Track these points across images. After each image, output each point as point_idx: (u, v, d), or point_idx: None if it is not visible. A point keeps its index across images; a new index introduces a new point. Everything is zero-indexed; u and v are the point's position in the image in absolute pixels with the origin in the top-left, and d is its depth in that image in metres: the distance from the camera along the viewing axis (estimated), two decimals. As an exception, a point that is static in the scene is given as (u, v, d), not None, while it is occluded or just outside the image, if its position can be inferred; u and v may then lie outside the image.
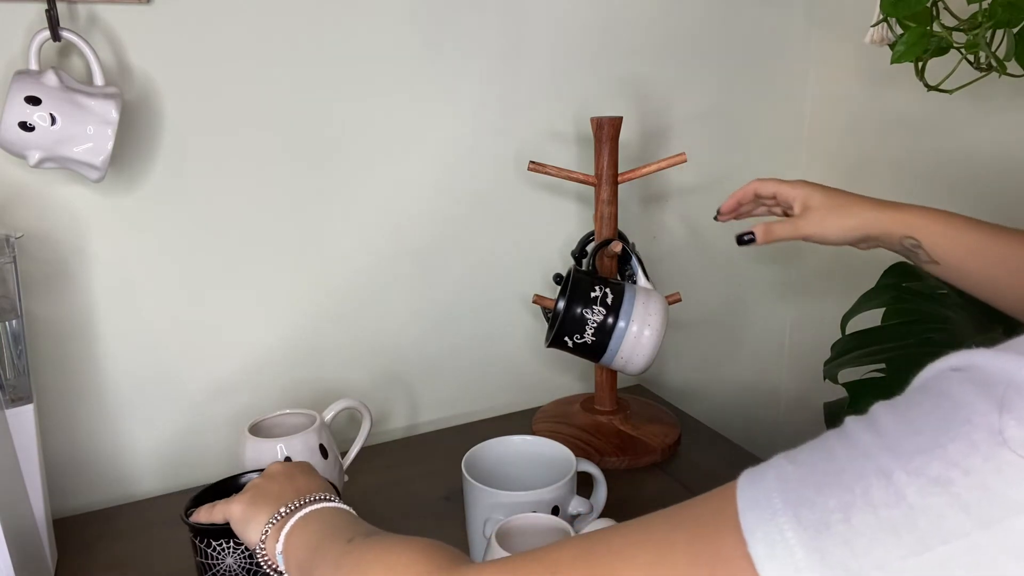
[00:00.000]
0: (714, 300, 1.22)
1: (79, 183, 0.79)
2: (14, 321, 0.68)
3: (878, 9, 0.85)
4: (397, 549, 0.46)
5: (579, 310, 0.84)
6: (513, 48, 0.98)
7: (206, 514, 0.61)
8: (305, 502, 0.54)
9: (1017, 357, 0.30)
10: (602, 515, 0.74)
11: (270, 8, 0.84)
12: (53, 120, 0.69)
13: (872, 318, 0.88)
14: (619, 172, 0.92)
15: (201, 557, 0.63)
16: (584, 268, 0.93)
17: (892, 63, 0.85)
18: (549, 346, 0.88)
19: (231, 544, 0.62)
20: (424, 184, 0.97)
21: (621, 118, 0.91)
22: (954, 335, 0.80)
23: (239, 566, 0.63)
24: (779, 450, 0.36)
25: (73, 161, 0.72)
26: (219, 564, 0.63)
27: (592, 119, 0.91)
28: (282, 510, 0.54)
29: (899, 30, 0.84)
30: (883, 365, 0.81)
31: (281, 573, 0.53)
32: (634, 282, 0.89)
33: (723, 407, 1.24)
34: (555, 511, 0.68)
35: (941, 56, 0.82)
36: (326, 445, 0.78)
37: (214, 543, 0.62)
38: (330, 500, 0.55)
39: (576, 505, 0.70)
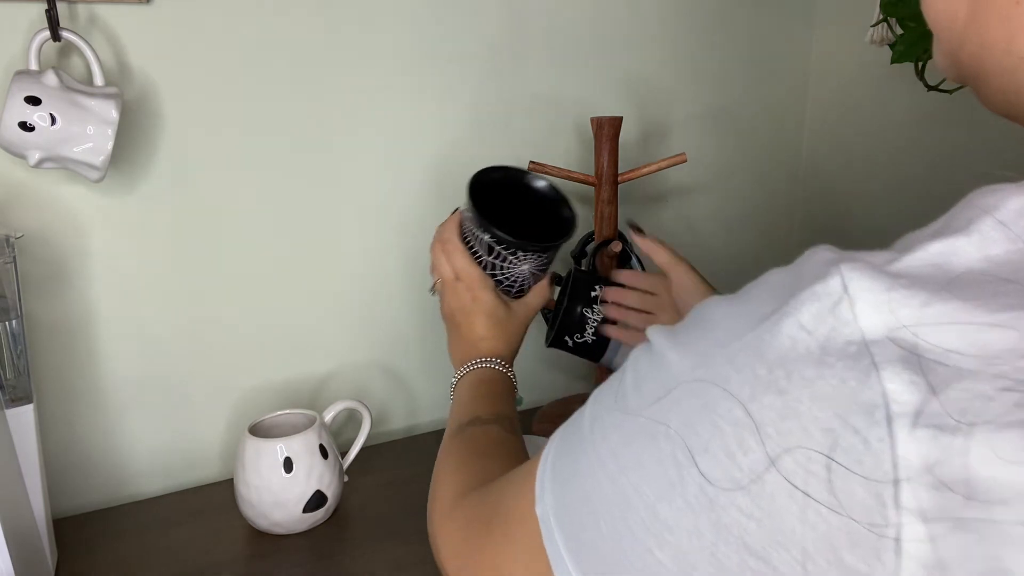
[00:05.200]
0: (714, 300, 1.22)
1: (79, 183, 0.79)
2: (14, 321, 0.68)
3: (878, 9, 0.85)
4: (468, 458, 0.55)
5: (579, 310, 0.84)
6: (513, 48, 0.98)
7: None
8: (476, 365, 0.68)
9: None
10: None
11: (270, 8, 0.84)
12: (53, 120, 0.69)
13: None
14: (619, 172, 0.92)
15: (495, 258, 0.71)
16: (584, 268, 0.93)
17: (892, 63, 0.85)
18: (549, 346, 0.88)
19: (528, 255, 0.71)
20: (424, 184, 0.97)
21: (621, 118, 0.91)
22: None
23: (531, 272, 0.73)
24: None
25: (73, 161, 0.72)
26: (513, 270, 0.71)
27: (592, 119, 0.91)
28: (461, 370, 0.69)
29: (899, 30, 0.84)
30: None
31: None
32: (634, 282, 0.89)
33: (723, 407, 1.24)
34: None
35: (941, 56, 0.82)
36: (326, 445, 0.79)
37: (516, 253, 0.71)
38: (494, 364, 0.68)
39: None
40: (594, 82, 1.05)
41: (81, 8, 0.76)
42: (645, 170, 0.92)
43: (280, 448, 0.75)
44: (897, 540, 0.24)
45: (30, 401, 0.68)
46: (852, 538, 0.24)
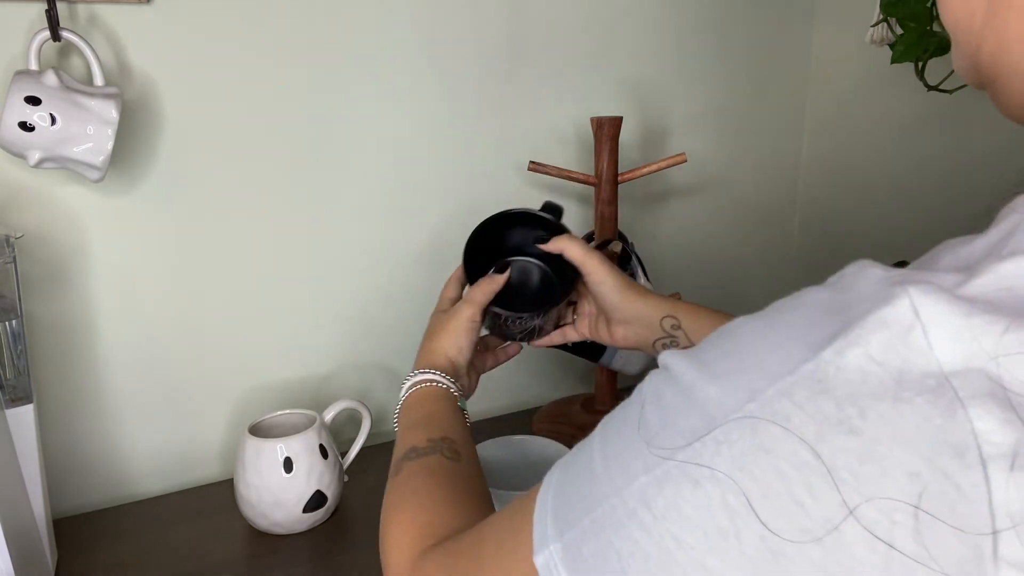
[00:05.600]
0: (714, 300, 1.21)
1: (79, 183, 0.79)
2: (14, 321, 0.68)
3: (878, 9, 0.85)
4: (413, 508, 0.49)
5: None
6: (513, 48, 0.98)
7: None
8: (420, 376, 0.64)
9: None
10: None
11: (270, 8, 0.84)
12: (53, 120, 0.69)
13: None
14: (619, 172, 0.92)
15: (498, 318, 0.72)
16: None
17: (892, 63, 0.85)
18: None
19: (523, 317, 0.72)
20: (425, 185, 0.97)
21: (621, 118, 0.91)
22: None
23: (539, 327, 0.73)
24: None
25: (73, 161, 0.72)
26: (517, 325, 0.73)
27: (592, 119, 0.91)
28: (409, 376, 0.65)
29: (899, 30, 0.85)
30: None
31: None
32: (634, 282, 0.89)
33: (723, 407, 1.24)
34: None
35: (941, 56, 0.82)
36: (326, 445, 0.79)
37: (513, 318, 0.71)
38: (437, 378, 0.64)
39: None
40: (594, 82, 1.05)
41: (81, 8, 0.76)
42: (645, 170, 0.92)
43: (280, 448, 0.75)
44: None
45: (30, 401, 0.68)
46: None
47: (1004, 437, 0.22)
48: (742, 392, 0.26)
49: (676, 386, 0.29)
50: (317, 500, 0.77)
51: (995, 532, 0.22)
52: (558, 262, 0.73)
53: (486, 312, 0.71)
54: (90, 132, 0.70)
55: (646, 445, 0.29)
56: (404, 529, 0.48)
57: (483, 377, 1.06)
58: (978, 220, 0.31)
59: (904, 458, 0.23)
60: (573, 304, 0.77)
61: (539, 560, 0.32)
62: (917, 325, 0.24)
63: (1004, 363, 0.22)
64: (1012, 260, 0.25)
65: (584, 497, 0.31)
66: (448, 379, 0.65)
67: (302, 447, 0.76)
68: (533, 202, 1.04)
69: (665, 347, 0.70)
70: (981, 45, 0.34)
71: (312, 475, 0.76)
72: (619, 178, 0.92)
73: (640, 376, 1.08)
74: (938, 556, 0.22)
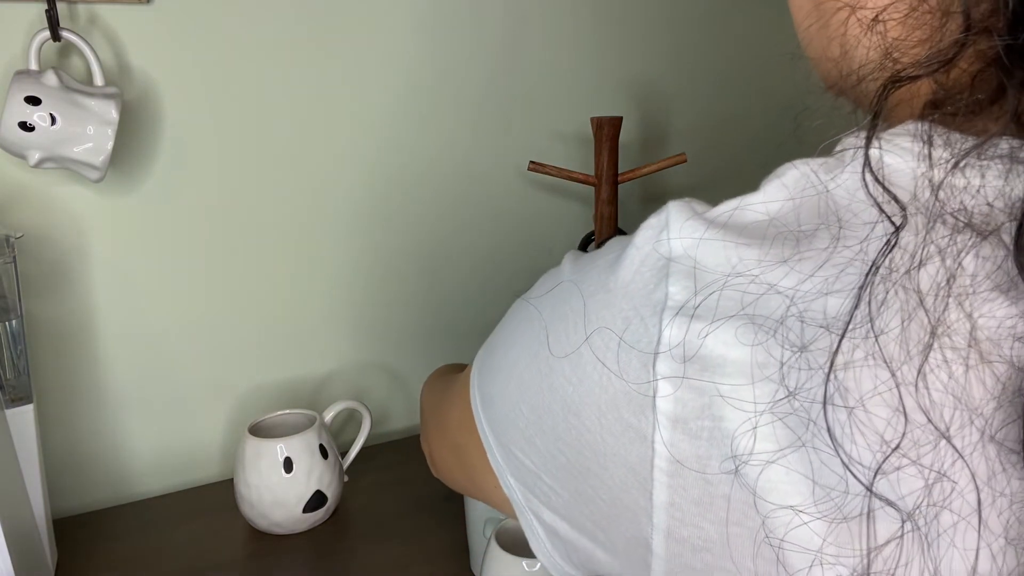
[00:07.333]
0: (714, 300, 1.22)
1: (79, 183, 0.79)
2: (14, 321, 0.68)
3: (878, 9, 0.85)
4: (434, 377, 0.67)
5: None
6: (513, 48, 0.98)
7: None
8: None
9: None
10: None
11: (271, 7, 0.84)
12: (53, 120, 0.69)
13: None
14: (619, 172, 0.92)
15: None
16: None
17: (892, 63, 0.85)
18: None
19: None
20: (424, 185, 0.97)
21: (621, 118, 0.91)
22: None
23: None
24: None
25: (73, 161, 0.72)
26: None
27: (592, 119, 0.91)
28: None
29: (899, 30, 0.84)
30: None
31: None
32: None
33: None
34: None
35: (941, 56, 0.82)
36: (326, 445, 0.79)
37: None
38: None
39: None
40: (594, 82, 1.05)
41: (81, 8, 0.76)
42: (645, 170, 0.92)
43: (280, 448, 0.76)
44: (653, 398, 0.31)
45: (30, 401, 0.68)
46: (628, 398, 0.32)
47: (679, 297, 0.32)
48: (577, 270, 0.38)
49: (555, 268, 0.41)
50: (317, 500, 0.77)
51: (656, 353, 0.31)
52: None
53: None
54: (90, 132, 0.71)
55: (524, 296, 0.42)
56: (443, 367, 0.64)
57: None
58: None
59: (625, 307, 0.33)
60: None
61: (471, 376, 0.44)
62: (666, 227, 0.34)
63: (697, 250, 0.33)
64: (739, 197, 0.36)
65: (493, 335, 0.44)
66: None
67: (302, 447, 0.76)
68: (532, 201, 1.04)
69: None
70: (799, 34, 0.45)
71: (312, 475, 0.76)
72: (619, 178, 0.92)
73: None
74: (625, 369, 0.32)
